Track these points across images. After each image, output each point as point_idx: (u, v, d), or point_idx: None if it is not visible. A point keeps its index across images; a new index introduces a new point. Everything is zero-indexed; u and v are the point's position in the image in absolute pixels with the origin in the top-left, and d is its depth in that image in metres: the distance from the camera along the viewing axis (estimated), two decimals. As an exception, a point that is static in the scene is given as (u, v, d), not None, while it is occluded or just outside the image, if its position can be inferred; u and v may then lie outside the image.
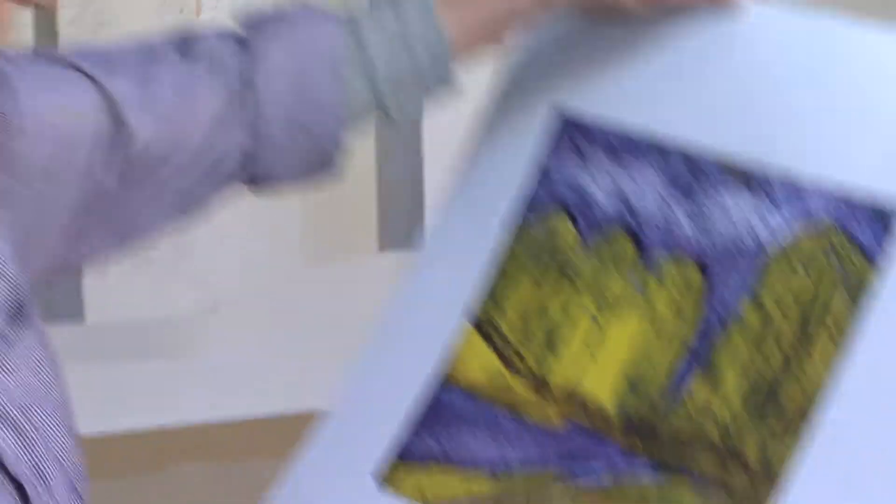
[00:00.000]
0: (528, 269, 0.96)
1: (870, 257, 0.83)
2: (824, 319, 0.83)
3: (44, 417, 0.84)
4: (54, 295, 1.69)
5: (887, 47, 0.88)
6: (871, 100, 0.87)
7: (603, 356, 0.91)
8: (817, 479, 0.79)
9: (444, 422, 0.95)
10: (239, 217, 1.49)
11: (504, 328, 0.95)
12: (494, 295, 0.97)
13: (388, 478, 0.95)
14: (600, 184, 0.95)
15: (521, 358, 0.94)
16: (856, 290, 0.82)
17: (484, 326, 0.96)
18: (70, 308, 1.72)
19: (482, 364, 0.95)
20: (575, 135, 0.97)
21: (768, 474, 0.81)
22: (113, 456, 1.63)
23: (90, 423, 1.72)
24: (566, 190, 0.96)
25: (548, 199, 0.97)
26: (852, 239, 0.83)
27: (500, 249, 0.97)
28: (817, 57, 0.90)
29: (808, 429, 0.81)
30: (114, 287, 1.67)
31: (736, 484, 0.83)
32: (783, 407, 0.83)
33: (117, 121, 0.91)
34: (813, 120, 0.88)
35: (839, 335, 0.82)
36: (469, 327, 0.97)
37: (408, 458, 0.95)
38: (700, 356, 0.87)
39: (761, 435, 0.83)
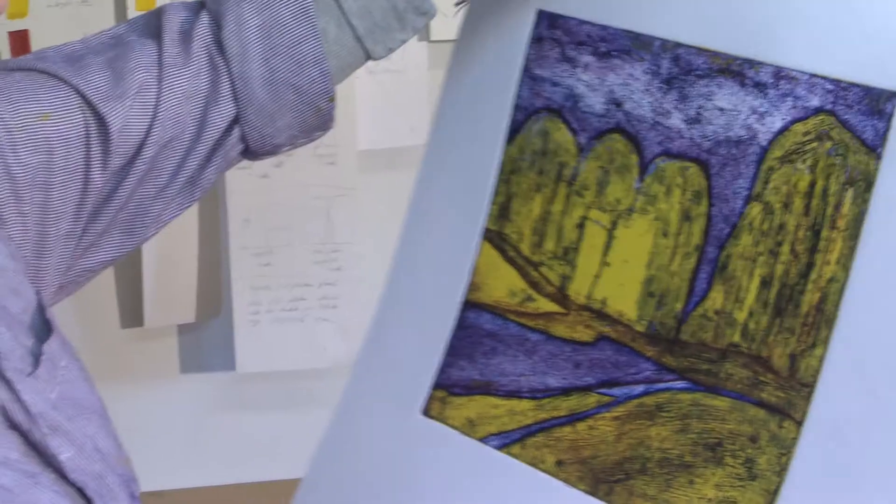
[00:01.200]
0: (530, 178, 0.94)
1: (871, 147, 0.80)
2: (835, 217, 0.81)
3: (90, 426, 0.85)
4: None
5: None
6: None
7: (619, 266, 0.89)
8: (846, 382, 0.79)
9: (477, 346, 0.95)
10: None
11: (520, 243, 0.94)
12: (506, 209, 0.95)
13: (433, 409, 0.96)
14: (590, 85, 0.92)
15: (540, 272, 0.93)
16: (862, 184, 0.80)
17: (500, 242, 0.95)
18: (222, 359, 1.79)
19: (505, 282, 0.95)
20: (560, 36, 0.93)
21: (797, 379, 0.81)
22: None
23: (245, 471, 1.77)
24: (555, 93, 0.93)
25: (538, 104, 0.94)
26: (852, 130, 0.80)
27: (502, 160, 0.96)
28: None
29: (830, 331, 0.80)
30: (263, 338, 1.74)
31: (768, 395, 0.83)
32: (802, 308, 0.82)
33: (96, 118, 0.89)
34: (801, 10, 0.83)
35: (851, 232, 0.80)
36: (486, 244, 0.96)
37: (449, 387, 0.96)
38: (713, 260, 0.85)
39: (785, 339, 0.82)
